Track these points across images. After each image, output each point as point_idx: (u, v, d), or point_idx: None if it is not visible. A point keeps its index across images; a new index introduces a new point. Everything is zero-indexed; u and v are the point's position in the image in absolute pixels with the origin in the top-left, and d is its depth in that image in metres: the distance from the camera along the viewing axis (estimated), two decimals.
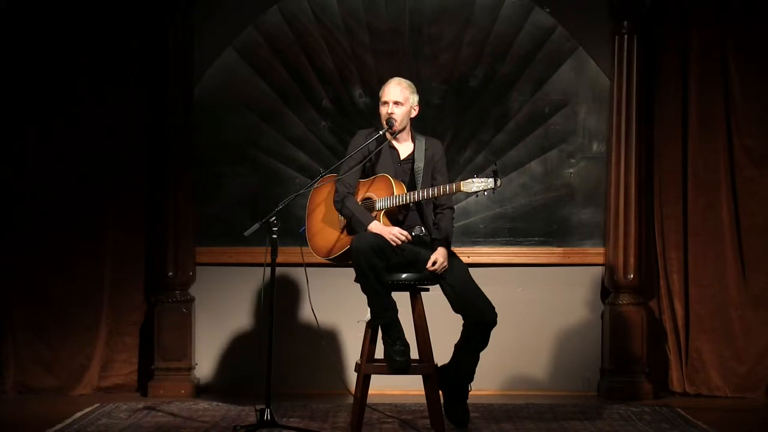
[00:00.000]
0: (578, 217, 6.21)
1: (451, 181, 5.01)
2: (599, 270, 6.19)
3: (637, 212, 6.03)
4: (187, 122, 6.05)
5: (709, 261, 6.07)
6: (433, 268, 4.91)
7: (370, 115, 5.92)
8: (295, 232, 5.44)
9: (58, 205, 6.03)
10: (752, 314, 6.05)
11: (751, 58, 6.05)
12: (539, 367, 6.19)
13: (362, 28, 6.14)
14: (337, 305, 5.91)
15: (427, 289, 5.02)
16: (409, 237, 4.93)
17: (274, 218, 4.93)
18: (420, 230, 5.01)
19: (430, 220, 5.05)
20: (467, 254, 5.94)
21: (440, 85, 6.17)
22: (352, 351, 6.03)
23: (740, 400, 5.98)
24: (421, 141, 5.11)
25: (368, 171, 5.08)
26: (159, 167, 6.06)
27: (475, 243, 6.19)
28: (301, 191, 5.16)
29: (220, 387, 6.15)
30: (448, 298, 4.97)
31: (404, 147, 5.11)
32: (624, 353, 6.01)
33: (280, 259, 5.02)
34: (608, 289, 6.13)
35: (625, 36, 6.03)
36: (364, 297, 4.89)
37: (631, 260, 6.02)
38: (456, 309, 4.96)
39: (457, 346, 5.03)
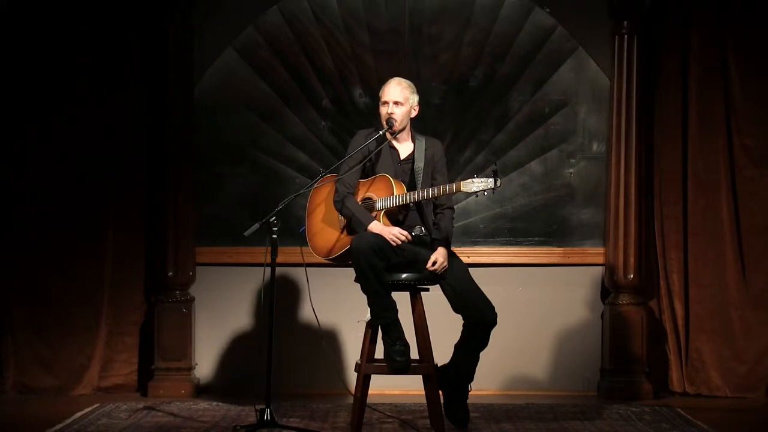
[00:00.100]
0: (578, 217, 6.21)
1: (451, 181, 5.01)
2: (599, 270, 6.19)
3: (637, 212, 6.03)
4: (187, 122, 6.05)
5: (709, 261, 6.06)
6: (433, 268, 4.91)
7: (370, 115, 5.91)
8: (295, 232, 5.43)
9: (58, 205, 6.02)
10: (752, 314, 6.05)
11: (751, 58, 6.04)
12: (539, 367, 6.19)
13: (362, 28, 6.14)
14: (337, 305, 5.91)
15: (427, 289, 5.01)
16: (409, 237, 4.93)
17: (274, 218, 4.93)
18: (420, 230, 5.01)
19: (430, 220, 5.04)
20: (467, 254, 5.94)
21: (440, 85, 6.16)
22: (352, 351, 6.02)
23: (740, 400, 5.97)
24: (421, 141, 5.11)
25: (368, 171, 5.08)
26: (159, 167, 6.06)
27: (475, 243, 6.19)
28: (301, 191, 5.15)
29: (220, 387, 6.15)
30: (448, 298, 4.97)
31: (404, 147, 5.11)
32: (624, 353, 6.00)
33: (280, 259, 5.01)
34: (608, 289, 6.13)
35: (625, 36, 6.02)
36: (364, 297, 4.89)
37: (631, 260, 6.01)
38: (456, 309, 4.96)
39: (457, 346, 5.03)
